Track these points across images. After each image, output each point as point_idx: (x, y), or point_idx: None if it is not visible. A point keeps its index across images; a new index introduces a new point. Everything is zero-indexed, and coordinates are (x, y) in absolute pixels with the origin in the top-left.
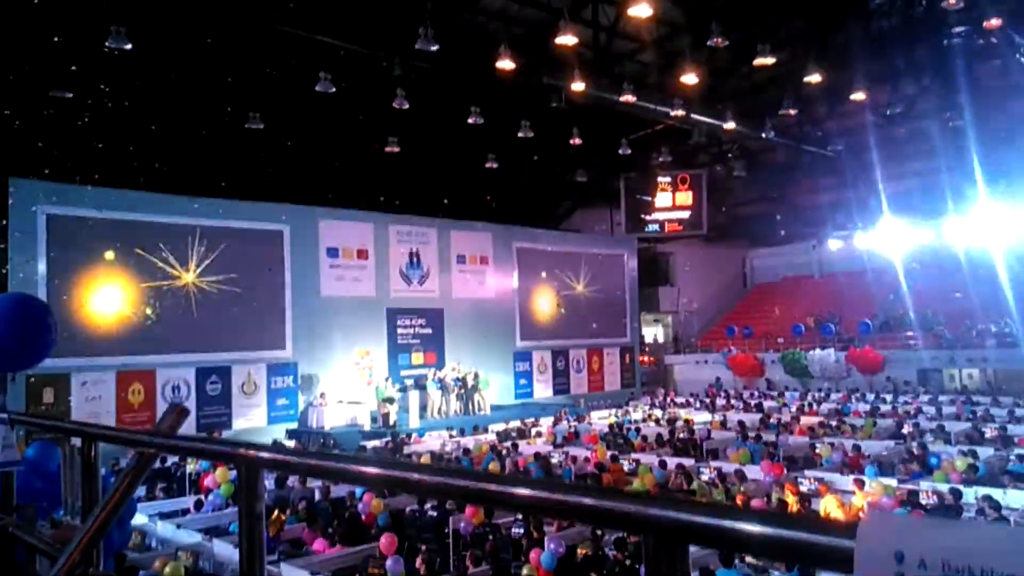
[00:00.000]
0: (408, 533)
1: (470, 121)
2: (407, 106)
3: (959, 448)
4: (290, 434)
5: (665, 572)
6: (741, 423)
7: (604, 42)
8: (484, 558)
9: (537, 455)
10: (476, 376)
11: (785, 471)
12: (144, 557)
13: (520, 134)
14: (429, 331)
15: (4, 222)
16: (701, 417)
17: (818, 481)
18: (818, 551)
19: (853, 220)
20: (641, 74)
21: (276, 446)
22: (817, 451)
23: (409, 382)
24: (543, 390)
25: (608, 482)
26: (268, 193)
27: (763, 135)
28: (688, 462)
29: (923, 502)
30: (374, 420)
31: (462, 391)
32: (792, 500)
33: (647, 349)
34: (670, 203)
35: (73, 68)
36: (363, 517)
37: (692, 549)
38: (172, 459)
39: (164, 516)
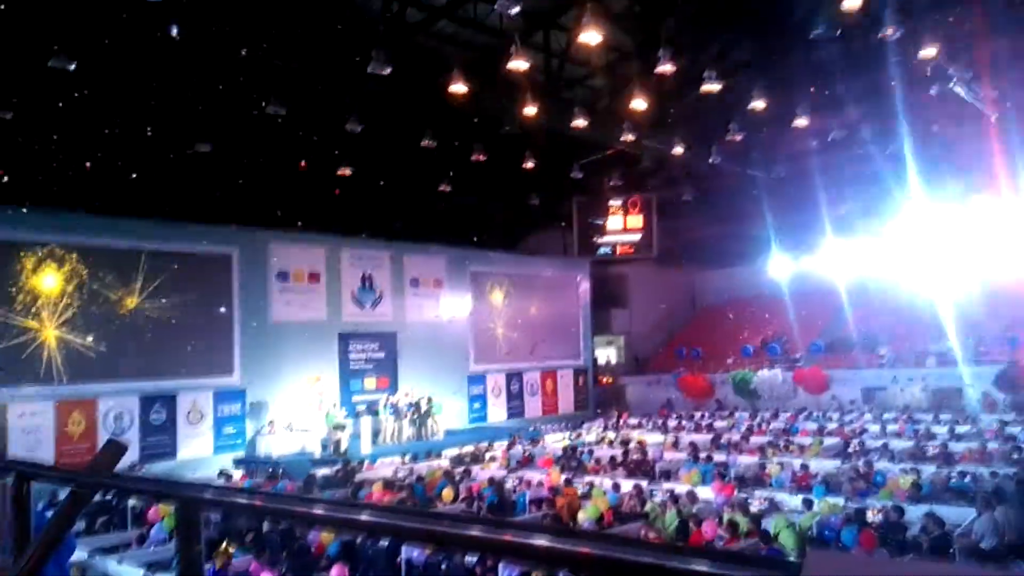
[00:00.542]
0: (359, 563)
1: (423, 144)
2: (359, 129)
3: (902, 467)
4: (237, 463)
5: None
6: (693, 444)
7: (555, 67)
8: None
9: (491, 480)
10: (429, 401)
11: (735, 491)
12: None
13: (473, 157)
14: (382, 355)
15: None
16: (653, 438)
17: (768, 500)
18: None
19: (797, 243)
20: (592, 99)
21: (221, 477)
22: (766, 471)
23: (361, 407)
24: (497, 414)
25: (562, 506)
26: (216, 216)
27: (710, 160)
28: (641, 483)
29: (869, 520)
30: (325, 447)
31: (415, 416)
32: (743, 521)
33: (603, 371)
34: (621, 226)
35: (14, 88)
36: (313, 548)
37: None
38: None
39: (105, 551)
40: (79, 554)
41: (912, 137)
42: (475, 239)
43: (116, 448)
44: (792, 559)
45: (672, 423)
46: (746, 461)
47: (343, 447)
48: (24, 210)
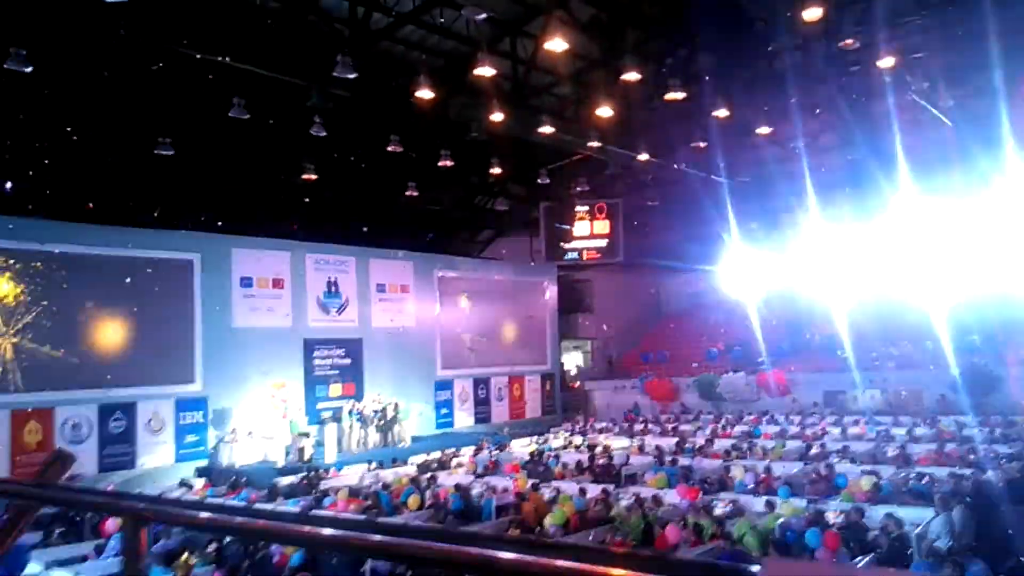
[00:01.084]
0: (323, 574)
1: (389, 149)
2: (324, 133)
3: (863, 469)
4: (199, 472)
5: None
6: (659, 448)
7: (522, 74)
8: None
9: (458, 486)
10: (396, 407)
11: (700, 494)
12: None
13: (440, 163)
14: (348, 361)
15: None
16: (620, 443)
17: (731, 503)
18: None
19: (760, 248)
20: (558, 106)
21: (183, 487)
22: (731, 474)
23: (327, 414)
24: (464, 419)
25: (528, 511)
26: (178, 221)
27: (675, 166)
28: (608, 488)
29: (831, 521)
30: (288, 455)
31: (382, 423)
32: (707, 524)
33: (573, 377)
34: (588, 231)
35: None
36: (276, 558)
37: None
38: None
39: (61, 564)
40: (33, 567)
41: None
42: (442, 244)
43: (63, 458)
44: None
45: (638, 427)
46: (710, 464)
47: (307, 455)
48: None
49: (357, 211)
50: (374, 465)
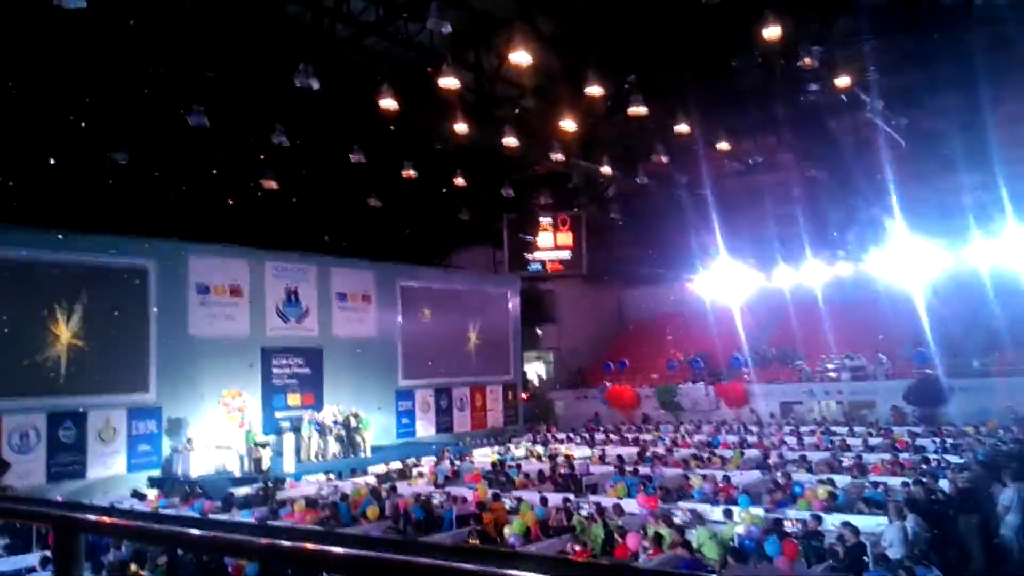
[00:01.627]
0: None
1: (352, 159)
2: (286, 142)
3: (819, 477)
4: (152, 482)
5: None
6: (619, 457)
7: (486, 86)
8: None
9: (418, 496)
10: (356, 417)
11: (660, 503)
12: None
13: (403, 173)
14: (307, 371)
15: None
16: (581, 452)
17: (691, 512)
18: None
19: (719, 261)
20: (522, 118)
21: (134, 498)
22: (690, 482)
23: (285, 424)
24: (426, 429)
25: (489, 521)
26: (132, 227)
27: (637, 180)
28: (569, 497)
29: (788, 529)
30: (244, 465)
31: (341, 433)
32: (667, 533)
33: (536, 387)
34: (551, 243)
35: None
36: (230, 569)
37: None
38: None
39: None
40: None
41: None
42: (405, 254)
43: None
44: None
45: (599, 437)
46: (670, 473)
47: (265, 465)
48: None
49: (319, 220)
50: (332, 475)
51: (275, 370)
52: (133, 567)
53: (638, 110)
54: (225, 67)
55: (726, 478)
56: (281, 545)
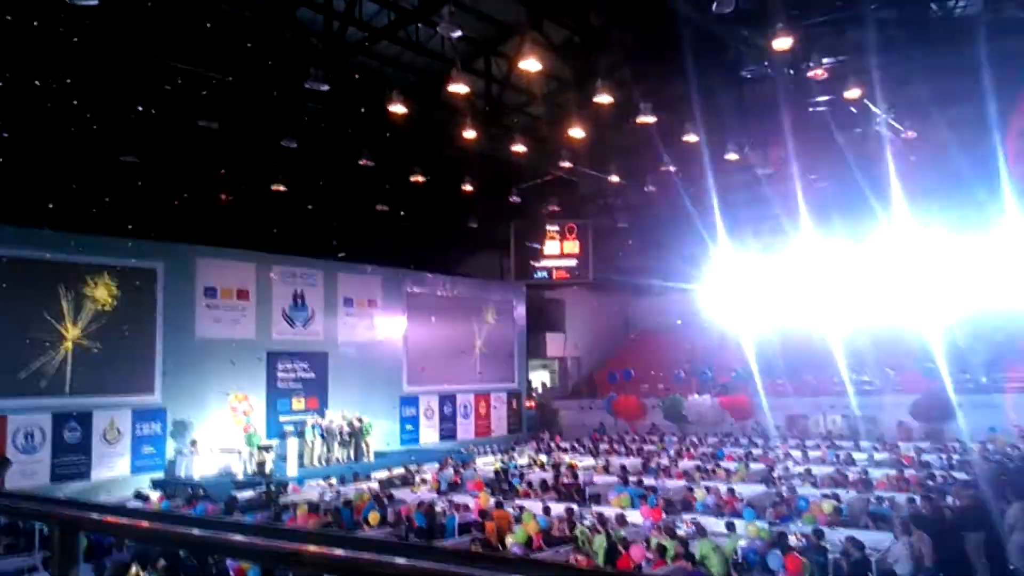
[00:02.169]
0: None
1: (361, 163)
2: (295, 145)
3: (823, 492)
4: (155, 484)
5: None
6: (623, 467)
7: (496, 93)
8: None
9: (421, 503)
10: (360, 421)
11: (663, 515)
12: None
13: (412, 178)
14: (312, 375)
15: None
16: (585, 462)
17: (694, 524)
18: None
19: (727, 272)
20: (531, 126)
21: (138, 500)
22: (694, 494)
23: (289, 428)
24: (430, 435)
25: (491, 530)
26: (142, 230)
27: (645, 189)
28: (572, 507)
29: (792, 544)
30: (248, 468)
31: (349, 437)
32: (670, 544)
33: (541, 395)
34: (558, 251)
35: None
36: (232, 573)
37: None
38: None
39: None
40: None
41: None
42: (412, 260)
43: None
44: None
45: (603, 447)
46: (674, 485)
47: (268, 469)
48: None
49: (327, 224)
50: (335, 480)
51: (280, 374)
52: (135, 569)
53: (646, 119)
54: (236, 71)
55: (730, 491)
56: (282, 547)
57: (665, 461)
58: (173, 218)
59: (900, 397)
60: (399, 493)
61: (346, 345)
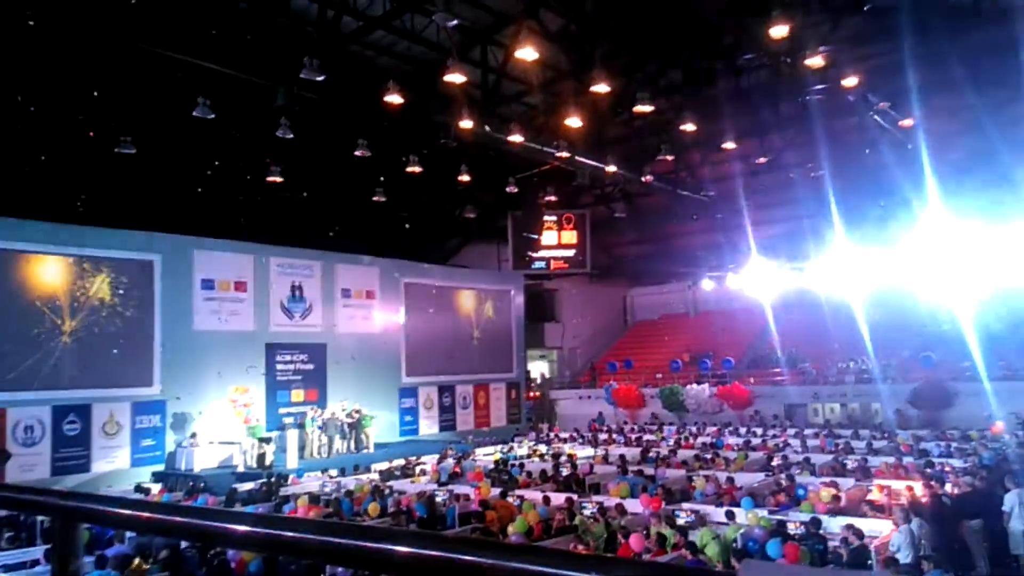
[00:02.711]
0: None
1: (357, 154)
2: (291, 136)
3: (823, 480)
4: (156, 477)
5: None
6: (622, 457)
7: (492, 83)
8: None
9: (421, 494)
10: (359, 413)
11: (663, 504)
12: None
13: (408, 169)
14: (311, 367)
15: None
16: (584, 452)
17: (694, 513)
18: None
19: (725, 262)
20: (528, 115)
21: (139, 492)
22: (693, 484)
23: (288, 420)
24: (429, 427)
25: (491, 519)
26: (138, 221)
27: (642, 179)
28: (572, 497)
29: (791, 532)
30: (248, 460)
31: (349, 429)
32: (670, 533)
33: (539, 386)
34: (556, 241)
35: None
36: (233, 564)
37: None
38: None
39: (9, 569)
40: None
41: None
42: (409, 251)
43: None
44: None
45: (602, 436)
46: (673, 474)
47: (268, 461)
48: None
49: (323, 215)
50: (335, 472)
51: (279, 366)
52: (137, 561)
53: (644, 108)
54: (231, 61)
55: (729, 479)
56: (283, 536)
57: (664, 451)
58: (170, 210)
59: (898, 385)
60: (399, 484)
61: (344, 336)
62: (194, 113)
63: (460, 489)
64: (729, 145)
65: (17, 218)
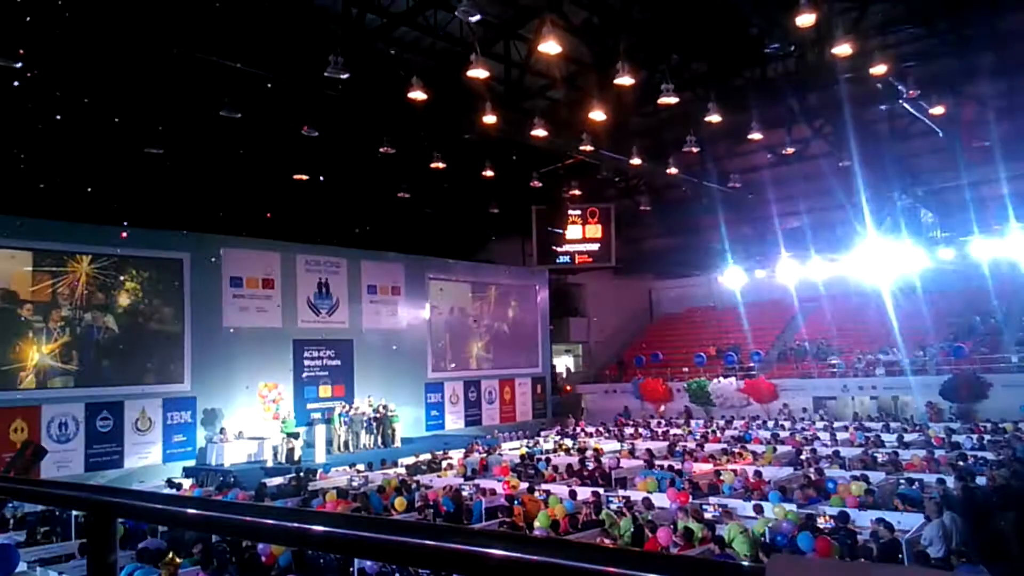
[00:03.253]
0: (312, 574)
1: (381, 151)
2: (316, 134)
3: (853, 474)
4: (187, 472)
5: None
6: (649, 451)
7: (515, 77)
8: None
9: (448, 488)
10: (386, 408)
11: (690, 498)
12: None
13: (432, 165)
14: (338, 363)
15: None
16: (610, 446)
17: (721, 507)
18: None
19: (752, 254)
20: (551, 109)
21: (171, 488)
22: (720, 478)
23: (316, 415)
24: (455, 421)
25: (518, 514)
26: (168, 220)
27: (667, 171)
28: (598, 491)
29: (820, 526)
30: (277, 456)
31: (376, 424)
32: (697, 528)
33: (566, 380)
34: (580, 235)
35: None
36: (264, 558)
37: None
38: None
39: (45, 563)
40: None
41: (862, 152)
42: (434, 247)
43: (34, 451)
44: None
45: (628, 431)
46: (700, 468)
47: (296, 456)
48: None
49: (349, 212)
50: (362, 467)
51: (307, 362)
52: (170, 555)
53: (669, 100)
54: (256, 60)
55: (757, 473)
56: (313, 530)
57: (691, 444)
58: (198, 209)
59: (930, 377)
60: (425, 479)
61: (371, 332)
62: (220, 112)
63: (486, 484)
64: (755, 136)
65: (51, 219)
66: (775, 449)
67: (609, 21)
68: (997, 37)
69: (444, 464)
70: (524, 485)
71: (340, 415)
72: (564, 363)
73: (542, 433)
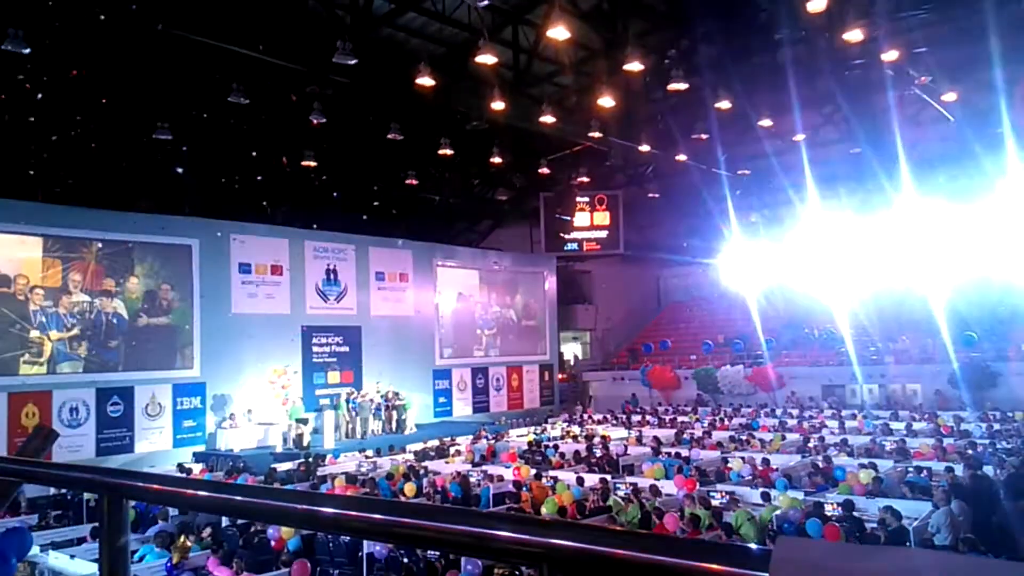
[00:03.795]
0: (321, 558)
1: (389, 137)
2: (324, 120)
3: (861, 462)
4: (197, 457)
5: None
6: (656, 438)
7: (524, 63)
8: None
9: (456, 474)
10: (397, 395)
11: (697, 485)
12: None
13: (440, 151)
14: (346, 349)
15: None
16: (617, 433)
17: (729, 495)
18: None
19: (761, 241)
20: (560, 96)
21: (181, 472)
22: (728, 465)
23: (324, 401)
24: (463, 408)
25: (526, 500)
26: (176, 206)
27: (676, 158)
28: (605, 478)
29: (828, 514)
30: (286, 441)
31: (384, 410)
32: (704, 514)
33: (575, 366)
34: (588, 222)
35: None
36: (273, 543)
37: None
38: None
39: (57, 546)
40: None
41: (873, 138)
42: (442, 234)
43: (46, 435)
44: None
45: (636, 418)
46: (708, 456)
47: (305, 441)
48: None
49: (357, 199)
50: (371, 453)
51: (315, 348)
52: (181, 539)
53: (678, 86)
54: (264, 45)
55: (765, 461)
56: (323, 512)
57: (698, 432)
58: (206, 195)
59: (938, 366)
60: (433, 465)
61: (378, 319)
62: (229, 99)
63: (494, 470)
64: (765, 123)
65: (63, 204)
66: (783, 437)
67: (618, 6)
68: (1011, 21)
69: (452, 450)
70: (532, 471)
71: (348, 401)
72: (572, 351)
73: (549, 420)
